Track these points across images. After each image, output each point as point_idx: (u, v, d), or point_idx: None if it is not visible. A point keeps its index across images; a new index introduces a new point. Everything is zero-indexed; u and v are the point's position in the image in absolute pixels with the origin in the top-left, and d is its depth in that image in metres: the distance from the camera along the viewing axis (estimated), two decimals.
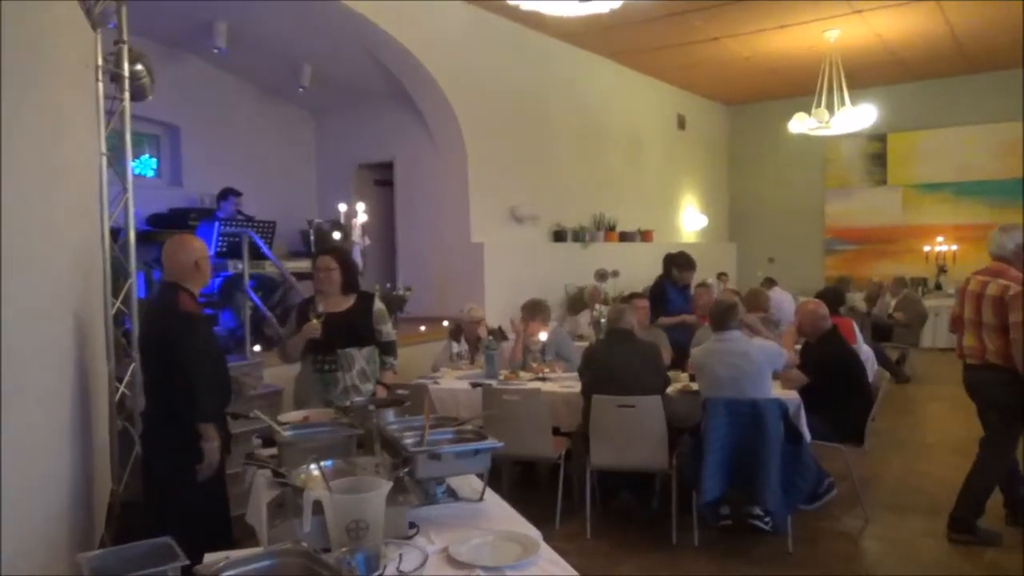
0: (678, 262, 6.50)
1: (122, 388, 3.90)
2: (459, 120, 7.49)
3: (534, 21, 7.90)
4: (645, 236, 10.27)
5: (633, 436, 4.15)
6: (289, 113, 8.83)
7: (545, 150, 8.72)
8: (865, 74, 10.08)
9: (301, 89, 7.74)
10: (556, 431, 4.55)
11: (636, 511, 4.59)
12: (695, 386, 4.48)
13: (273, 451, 2.68)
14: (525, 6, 4.39)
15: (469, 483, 2.51)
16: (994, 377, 3.94)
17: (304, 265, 6.14)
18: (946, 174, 11.64)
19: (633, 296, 6.36)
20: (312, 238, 6.68)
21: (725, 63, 10.12)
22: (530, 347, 5.40)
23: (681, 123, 11.87)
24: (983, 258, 4.39)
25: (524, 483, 5.16)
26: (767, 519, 4.14)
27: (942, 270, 11.36)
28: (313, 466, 2.14)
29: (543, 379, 4.95)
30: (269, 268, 5.96)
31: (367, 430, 2.69)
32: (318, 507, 1.89)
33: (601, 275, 8.71)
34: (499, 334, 5.71)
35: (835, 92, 8.63)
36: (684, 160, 12.06)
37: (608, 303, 7.61)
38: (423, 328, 6.65)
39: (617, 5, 4.24)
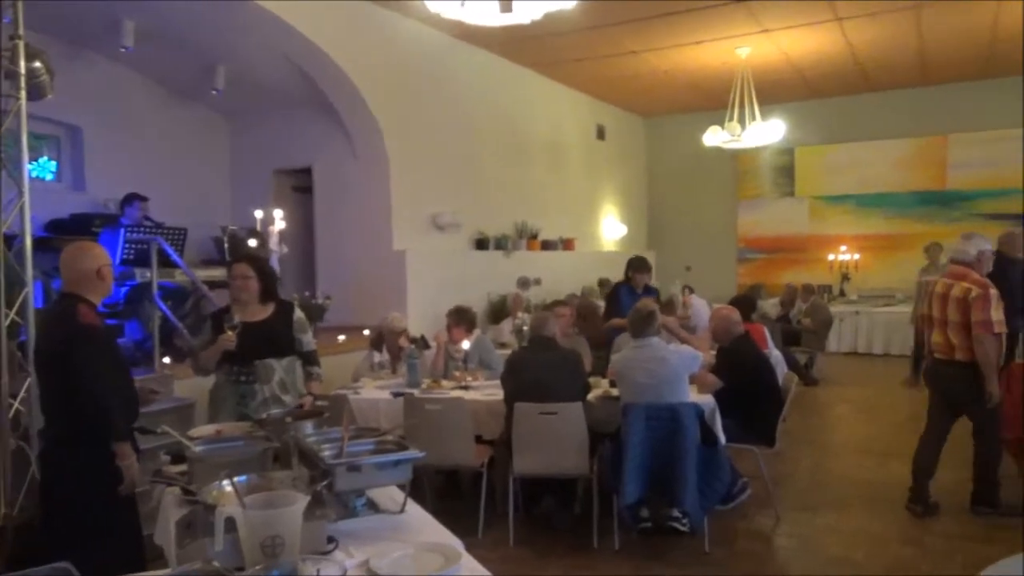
0: (632, 265, 6.64)
1: (16, 404, 3.66)
2: (381, 127, 7.41)
3: (457, 30, 7.91)
4: (567, 244, 10.41)
5: (555, 443, 4.18)
6: (202, 116, 8.53)
7: (468, 158, 8.73)
8: (774, 90, 10.53)
9: (215, 91, 7.48)
10: (479, 439, 4.54)
11: (558, 517, 4.62)
12: (615, 392, 4.56)
13: (183, 467, 2.57)
14: (447, 14, 4.38)
15: (390, 494, 2.47)
16: (956, 372, 4.43)
17: (218, 274, 5.93)
18: (849, 187, 12.28)
19: (555, 304, 6.42)
20: (226, 246, 6.46)
21: (643, 76, 10.39)
22: (453, 355, 5.37)
23: (601, 134, 12.10)
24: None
25: (447, 492, 5.12)
26: (685, 520, 4.23)
27: (845, 278, 11.96)
28: (226, 482, 2.05)
29: (466, 387, 4.93)
30: (179, 277, 5.73)
31: (283, 443, 2.61)
32: (231, 524, 1.81)
33: (523, 283, 8.79)
34: (421, 343, 5.66)
35: (747, 107, 8.98)
36: (604, 170, 12.30)
37: (530, 311, 7.66)
38: (343, 338, 6.52)
39: (538, 16, 4.28)
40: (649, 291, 6.58)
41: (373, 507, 2.38)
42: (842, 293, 11.83)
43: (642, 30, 8.31)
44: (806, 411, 7.41)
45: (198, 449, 2.48)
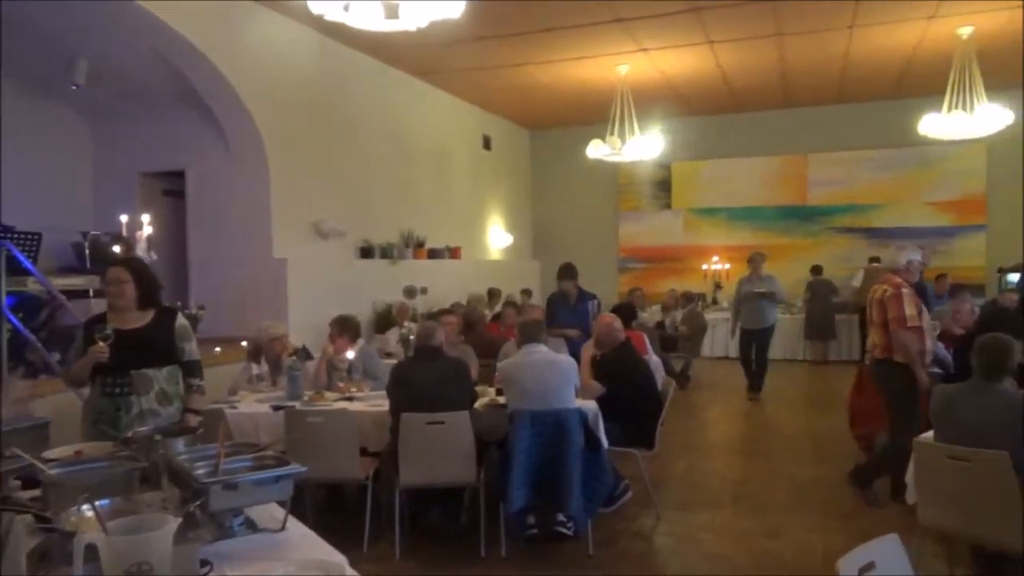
0: (557, 274, 6.63)
1: None
2: (260, 131, 7.13)
3: (343, 35, 7.77)
4: (453, 253, 10.41)
5: (442, 452, 4.16)
6: (61, 113, 7.92)
7: (353, 165, 8.56)
8: (652, 107, 10.98)
9: (76, 87, 6.97)
10: (364, 452, 4.44)
11: (445, 527, 4.59)
12: (502, 400, 4.59)
13: (36, 493, 2.36)
14: (330, 17, 4.29)
15: (270, 512, 2.36)
16: (888, 371, 4.78)
17: (79, 282, 5.52)
18: (720, 200, 12.99)
19: (442, 313, 6.40)
20: (87, 252, 6.02)
21: (528, 88, 10.57)
22: (336, 366, 5.24)
23: (487, 144, 12.21)
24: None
25: (330, 507, 4.97)
26: (570, 524, 4.32)
27: (717, 286, 12.63)
28: (85, 506, 1.90)
29: (350, 399, 4.82)
30: (32, 285, 5.28)
31: (152, 463, 2.45)
32: (92, 552, 1.68)
33: (409, 292, 8.70)
34: (303, 353, 5.48)
35: (627, 122, 9.31)
36: (490, 180, 12.41)
37: (417, 320, 7.59)
38: (218, 349, 6.22)
39: (423, 24, 4.27)
40: (585, 297, 6.69)
41: (251, 526, 2.27)
42: (715, 301, 12.47)
43: (527, 43, 8.46)
44: (682, 414, 7.74)
45: (53, 472, 2.29)
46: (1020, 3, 7.26)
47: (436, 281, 9.58)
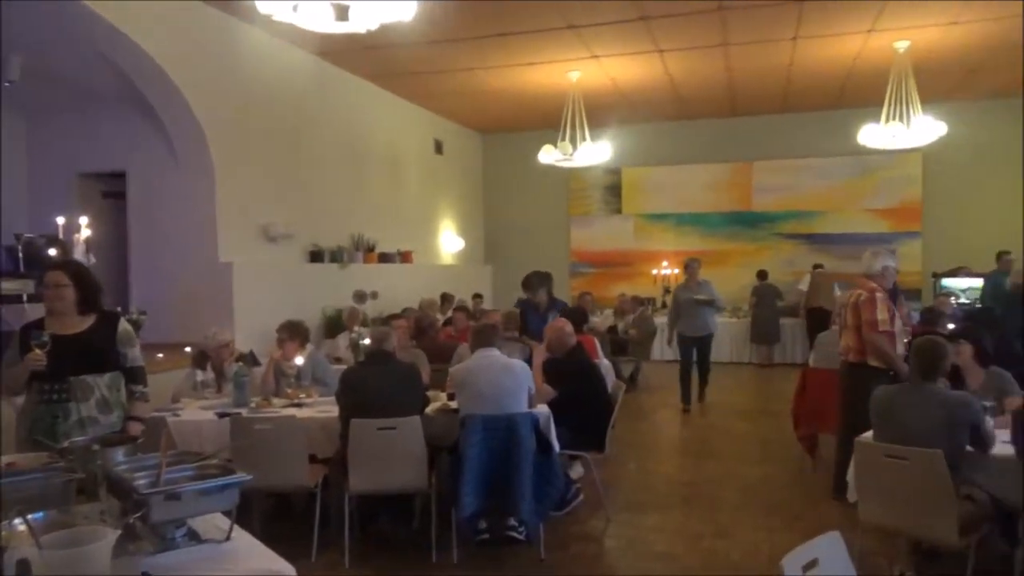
0: (528, 281, 6.74)
1: None
2: (205, 131, 6.96)
3: (293, 36, 7.66)
4: (405, 257, 10.33)
5: (393, 458, 4.12)
6: None
7: (302, 167, 8.43)
8: (603, 113, 11.11)
9: (8, 83, 6.69)
10: (313, 459, 4.37)
11: (396, 534, 4.55)
12: (454, 405, 4.57)
13: None
14: (278, 17, 4.22)
15: (214, 523, 2.30)
16: (859, 374, 4.83)
17: (11, 286, 5.30)
18: (669, 206, 13.20)
19: (393, 317, 6.35)
20: (21, 255, 5.78)
21: (480, 93, 10.58)
22: (284, 372, 5.15)
23: (439, 148, 12.17)
24: None
25: (278, 516, 4.88)
26: (521, 529, 4.31)
27: (667, 291, 12.79)
28: (17, 520, 1.83)
29: (299, 405, 4.75)
30: None
31: (90, 473, 2.36)
32: (24, 568, 1.61)
33: (360, 296, 8.61)
34: (250, 359, 5.36)
35: (578, 128, 9.40)
36: (442, 184, 12.37)
37: (367, 325, 7.52)
38: (161, 356, 6.03)
39: (374, 27, 4.23)
40: (555, 304, 6.73)
41: (195, 537, 2.21)
42: (664, 305, 12.64)
43: (478, 48, 8.47)
44: (632, 417, 7.83)
45: None
46: (953, 21, 7.58)
47: (387, 286, 9.50)
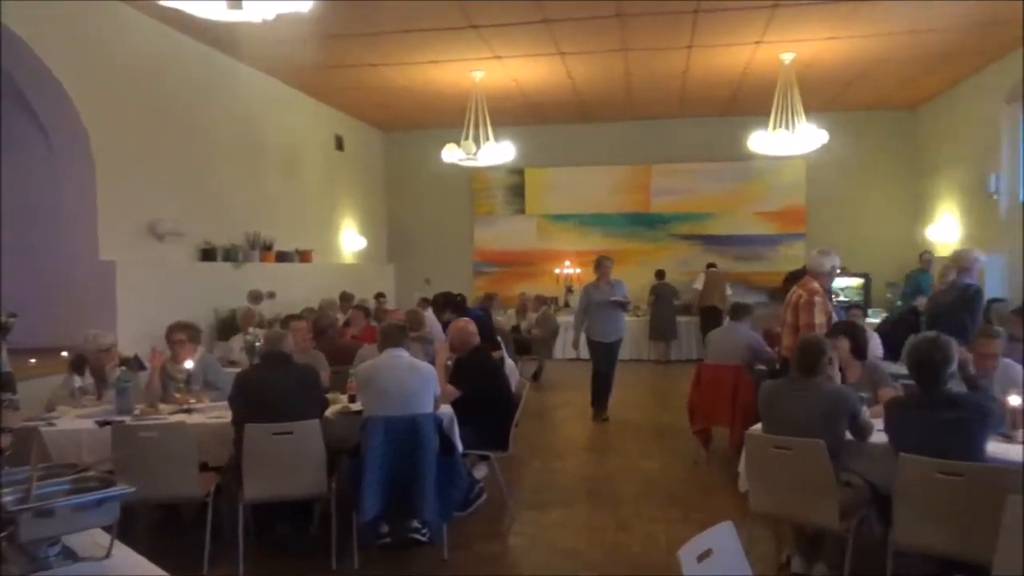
0: (440, 303, 6.89)
1: None
2: (84, 121, 6.51)
3: (186, 26, 7.29)
4: (304, 256, 10.04)
5: (291, 464, 3.98)
6: None
7: (194, 162, 8.04)
8: (506, 113, 11.16)
9: None
10: (204, 467, 4.17)
11: (294, 541, 4.40)
12: (355, 407, 4.47)
13: None
14: (168, 3, 4.00)
15: (93, 539, 2.15)
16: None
17: None
18: (571, 207, 13.43)
19: (291, 318, 6.15)
20: None
21: (382, 90, 10.42)
22: (173, 376, 4.89)
23: (340, 144, 11.90)
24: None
25: (167, 529, 4.62)
26: (424, 531, 4.27)
27: (569, 290, 13.03)
28: None
29: (188, 410, 4.52)
30: None
31: None
32: None
33: (255, 296, 8.30)
34: (134, 363, 5.06)
35: (481, 127, 9.40)
36: (343, 181, 12.10)
37: (263, 326, 7.26)
38: (33, 361, 5.60)
39: (270, 17, 4.08)
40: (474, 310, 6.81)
41: (70, 555, 2.06)
42: (566, 304, 12.86)
43: (381, 44, 8.33)
44: (536, 415, 7.91)
45: None
46: (832, 36, 8.06)
47: (285, 285, 9.20)
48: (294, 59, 8.84)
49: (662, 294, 11.79)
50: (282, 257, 9.44)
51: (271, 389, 4.08)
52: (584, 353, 11.96)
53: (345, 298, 9.32)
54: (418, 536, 4.29)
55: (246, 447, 3.94)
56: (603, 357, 7.81)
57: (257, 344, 5.51)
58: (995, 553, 2.51)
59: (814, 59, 8.86)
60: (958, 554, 2.97)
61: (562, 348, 11.75)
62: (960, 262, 5.66)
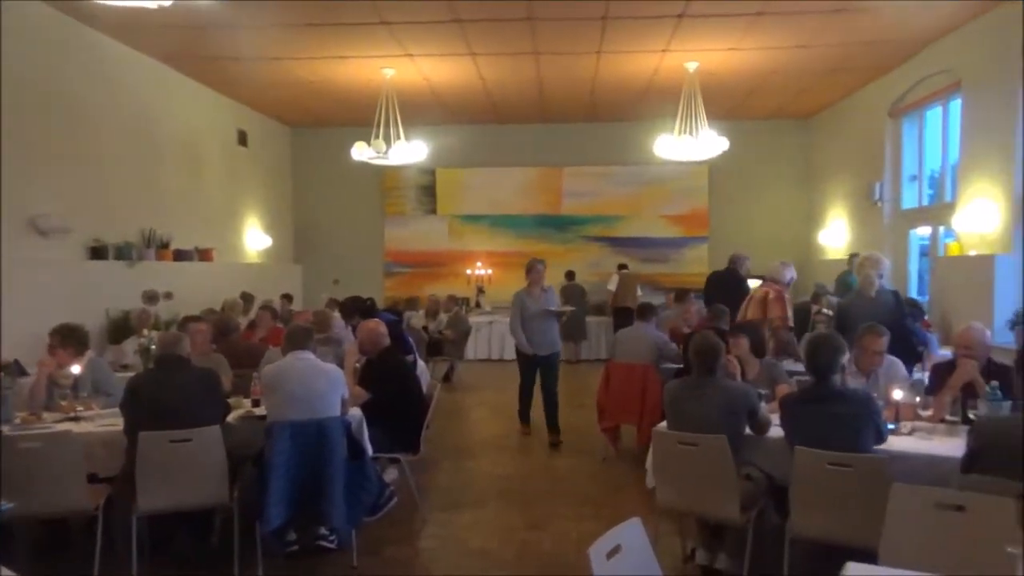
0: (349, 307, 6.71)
1: None
2: None
3: (76, 10, 6.85)
4: (204, 255, 9.61)
5: (189, 472, 3.79)
6: None
7: (82, 154, 7.55)
8: (418, 112, 11.06)
9: None
10: (93, 478, 3.91)
11: (194, 552, 4.20)
12: (258, 411, 4.31)
13: None
14: None
15: None
16: None
17: None
18: (483, 208, 13.45)
19: (189, 320, 5.88)
20: None
21: (289, 84, 10.12)
22: (58, 382, 4.57)
23: (243, 139, 11.48)
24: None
25: (52, 545, 4.32)
26: (333, 537, 4.16)
27: (481, 291, 13.05)
28: None
29: (75, 419, 4.24)
30: None
31: None
32: None
33: (150, 297, 7.90)
34: (14, 368, 4.70)
35: (392, 126, 9.27)
36: (247, 178, 11.69)
37: (159, 328, 6.91)
38: None
39: (167, 3, 3.89)
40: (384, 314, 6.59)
41: None
42: (478, 305, 12.86)
43: (287, 37, 8.09)
44: (448, 416, 7.87)
45: None
46: (734, 47, 8.39)
47: (184, 285, 8.78)
48: (194, 49, 8.47)
49: (572, 295, 11.94)
50: (180, 256, 9.01)
51: (167, 394, 3.87)
52: (497, 353, 12.16)
53: (246, 299, 8.98)
54: (326, 543, 4.17)
55: (140, 456, 3.72)
56: (533, 370, 6.99)
57: (152, 347, 5.23)
58: (881, 538, 2.66)
59: (716, 69, 9.20)
60: (849, 540, 3.13)
61: (474, 349, 11.76)
62: (879, 267, 5.79)
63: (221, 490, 3.86)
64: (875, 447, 3.40)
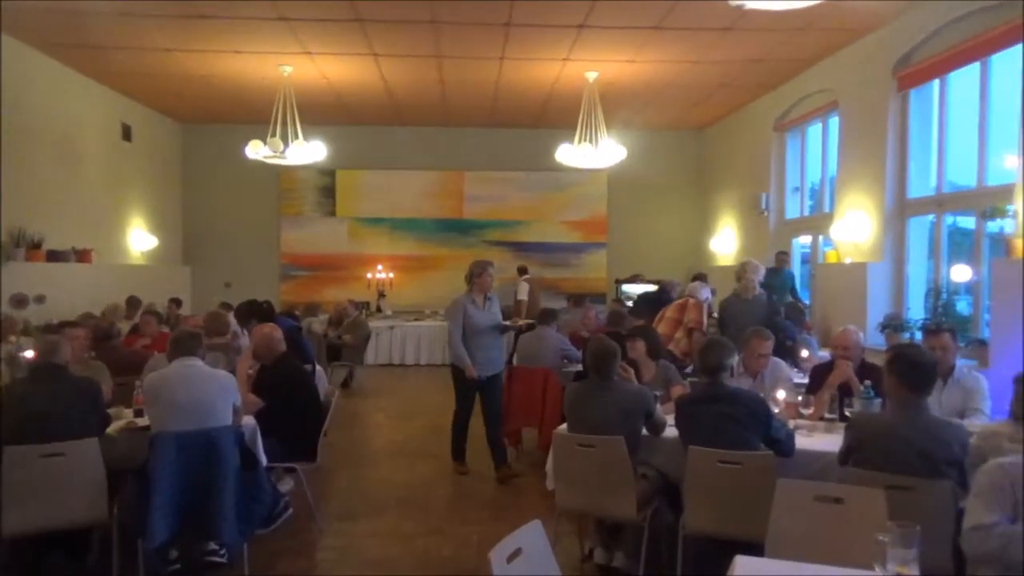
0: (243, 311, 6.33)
1: None
2: None
3: None
4: (82, 256, 8.99)
5: (63, 489, 3.53)
6: None
7: None
8: (317, 112, 10.79)
9: None
10: None
11: (70, 572, 3.91)
12: (142, 422, 4.07)
13: None
14: None
15: None
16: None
17: None
18: (384, 211, 13.26)
19: (66, 325, 5.47)
20: None
21: (179, 77, 9.64)
22: None
23: (127, 134, 10.85)
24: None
25: None
26: (223, 552, 3.98)
27: (381, 295, 12.85)
28: None
29: None
30: None
31: None
32: None
33: (18, 301, 7.35)
34: None
35: (290, 125, 8.99)
36: (131, 174, 11.05)
37: (30, 334, 6.41)
38: None
39: None
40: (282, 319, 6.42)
41: None
42: (379, 309, 12.66)
43: (177, 28, 7.70)
44: (347, 423, 7.68)
45: None
46: (631, 59, 8.64)
47: (59, 288, 8.18)
48: (72, 36, 7.93)
49: None
50: (54, 256, 8.39)
51: (39, 405, 3.60)
52: (398, 358, 11.98)
53: (132, 303, 8.47)
54: (216, 559, 3.98)
55: (5, 473, 3.43)
56: (483, 396, 5.87)
57: (21, 355, 4.85)
58: (768, 532, 2.79)
59: (615, 79, 9.45)
60: (739, 535, 3.27)
61: (374, 354, 11.56)
62: (758, 273, 6.56)
63: (98, 506, 3.61)
64: (780, 448, 3.53)
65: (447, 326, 5.96)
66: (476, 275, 5.90)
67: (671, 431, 3.90)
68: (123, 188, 10.81)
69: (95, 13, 7.13)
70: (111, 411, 4.18)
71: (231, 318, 6.07)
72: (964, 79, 6.79)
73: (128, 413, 4.32)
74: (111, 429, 3.99)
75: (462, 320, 5.75)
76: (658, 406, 4.05)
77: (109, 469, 3.65)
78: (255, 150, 8.95)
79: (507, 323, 6.34)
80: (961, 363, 4.49)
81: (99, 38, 8.02)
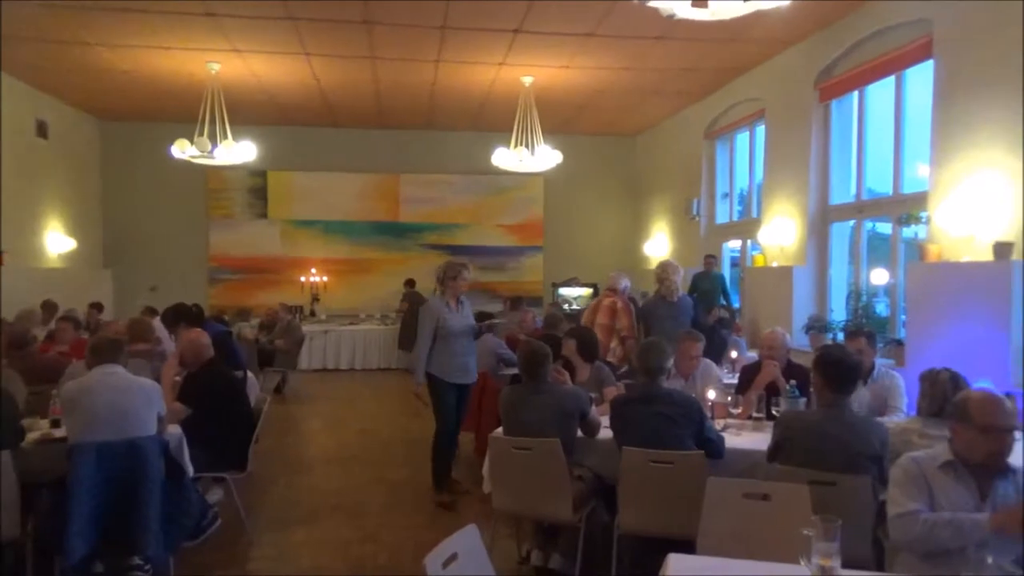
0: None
1: None
2: None
3: None
4: None
5: None
6: None
7: None
8: (247, 111, 10.52)
9: None
10: None
11: None
12: (59, 432, 3.89)
13: None
14: None
15: None
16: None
17: None
18: (317, 213, 13.02)
19: None
20: None
21: (99, 73, 9.25)
22: None
23: (42, 130, 10.34)
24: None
25: None
26: (148, 567, 3.83)
27: (315, 298, 12.61)
28: None
29: None
30: None
31: None
32: None
33: None
34: None
35: (218, 124, 8.74)
36: (47, 174, 10.54)
37: None
38: None
39: None
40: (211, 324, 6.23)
41: None
42: (312, 313, 12.43)
43: (99, 20, 7.39)
44: (280, 430, 7.51)
45: None
46: (566, 65, 8.74)
47: None
48: None
49: (413, 303, 11.85)
50: None
51: None
52: (332, 362, 11.79)
53: (48, 308, 8.08)
54: (140, 573, 3.82)
55: None
56: (456, 403, 5.36)
57: None
58: (699, 529, 2.85)
59: (550, 84, 9.54)
60: (672, 533, 3.33)
61: (308, 359, 11.34)
62: (679, 274, 6.47)
63: (11, 522, 3.43)
64: (712, 448, 3.60)
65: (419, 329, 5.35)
66: (450, 277, 5.34)
67: (606, 432, 3.95)
68: (38, 187, 10.31)
69: (7, 1, 6.77)
70: (25, 422, 3.97)
71: (158, 323, 5.85)
72: (881, 92, 7.12)
73: (44, 424, 4.11)
74: (25, 442, 3.78)
75: (433, 323, 5.23)
76: (593, 407, 4.09)
77: (22, 483, 3.47)
78: (181, 149, 8.67)
79: (492, 321, 6.29)
80: (880, 363, 4.69)
81: (11, 28, 7.62)
